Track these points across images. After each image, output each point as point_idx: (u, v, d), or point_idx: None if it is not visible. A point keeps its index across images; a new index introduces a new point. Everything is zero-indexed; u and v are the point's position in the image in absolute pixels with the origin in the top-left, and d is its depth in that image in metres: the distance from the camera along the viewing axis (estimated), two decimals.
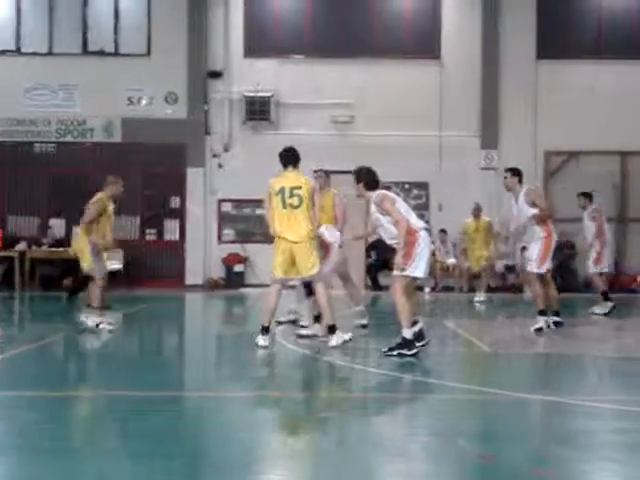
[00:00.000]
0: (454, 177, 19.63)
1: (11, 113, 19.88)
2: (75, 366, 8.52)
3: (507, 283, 19.63)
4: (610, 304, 13.43)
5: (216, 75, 20.21)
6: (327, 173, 10.91)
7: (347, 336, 9.27)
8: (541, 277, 11.04)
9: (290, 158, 9.49)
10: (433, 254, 13.10)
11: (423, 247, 8.56)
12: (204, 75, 20.18)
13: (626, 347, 10.28)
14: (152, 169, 19.80)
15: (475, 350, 9.80)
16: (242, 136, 20.25)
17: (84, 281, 12.23)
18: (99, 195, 11.13)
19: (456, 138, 19.93)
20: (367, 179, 8.92)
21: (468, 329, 11.69)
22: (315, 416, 6.24)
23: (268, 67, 20.14)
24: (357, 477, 4.65)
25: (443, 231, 19.35)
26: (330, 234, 10.08)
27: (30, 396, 6.75)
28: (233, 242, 20.24)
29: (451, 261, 19.40)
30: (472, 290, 17.54)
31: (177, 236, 20.10)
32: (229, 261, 19.91)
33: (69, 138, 20.05)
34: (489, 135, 20.12)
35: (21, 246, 19.12)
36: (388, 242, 8.84)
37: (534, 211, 10.78)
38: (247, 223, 20.30)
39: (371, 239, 15.87)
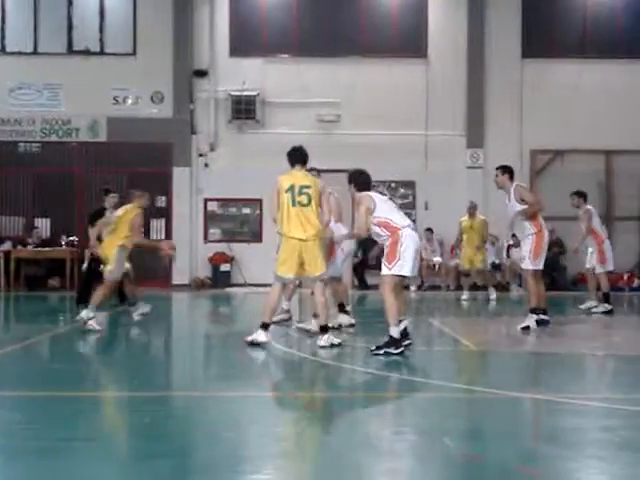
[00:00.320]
0: (440, 176, 19.67)
1: None
2: (60, 366, 8.47)
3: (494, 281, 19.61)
4: (609, 307, 13.37)
5: (202, 74, 20.16)
6: (319, 172, 10.94)
7: (337, 341, 9.29)
8: (538, 273, 11.01)
9: (298, 157, 9.54)
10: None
11: (407, 245, 8.59)
12: (190, 74, 20.12)
13: (614, 345, 10.29)
14: (138, 168, 19.68)
15: (462, 348, 9.82)
16: (228, 135, 20.21)
17: (87, 284, 13.20)
18: (129, 207, 11.38)
19: (442, 137, 19.96)
20: (357, 181, 9.14)
21: (455, 327, 11.69)
22: (301, 415, 6.22)
23: (254, 66, 20.09)
24: (344, 476, 4.63)
25: (429, 230, 19.38)
26: (338, 231, 10.30)
27: (14, 396, 6.71)
28: (219, 241, 20.21)
29: (437, 259, 19.45)
30: (459, 288, 17.54)
31: (163, 235, 20.02)
32: (215, 260, 19.86)
33: (54, 138, 19.95)
34: (475, 134, 20.15)
35: (6, 246, 19.06)
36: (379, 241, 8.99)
37: (524, 207, 10.78)
38: (233, 222, 20.31)
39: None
